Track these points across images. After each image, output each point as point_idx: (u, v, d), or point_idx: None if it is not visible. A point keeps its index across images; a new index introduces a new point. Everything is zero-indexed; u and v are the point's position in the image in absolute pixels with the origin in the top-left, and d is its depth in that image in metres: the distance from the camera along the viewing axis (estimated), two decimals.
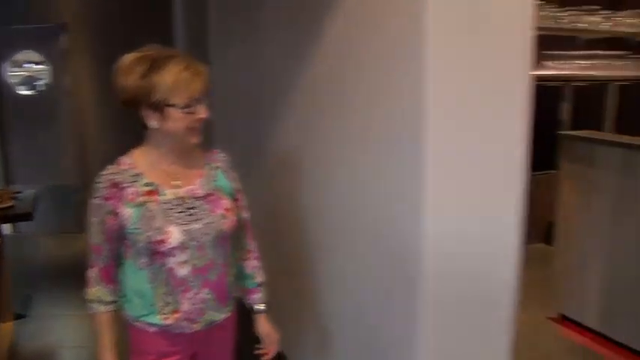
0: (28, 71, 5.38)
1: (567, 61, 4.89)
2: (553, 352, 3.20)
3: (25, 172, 5.34)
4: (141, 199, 1.55)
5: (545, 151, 3.57)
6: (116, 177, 1.55)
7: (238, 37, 3.29)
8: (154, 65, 1.47)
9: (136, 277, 1.61)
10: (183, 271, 1.59)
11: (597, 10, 4.89)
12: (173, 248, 1.56)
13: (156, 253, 1.56)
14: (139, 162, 1.59)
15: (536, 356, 3.08)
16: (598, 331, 3.25)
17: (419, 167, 1.74)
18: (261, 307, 1.85)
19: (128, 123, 1.59)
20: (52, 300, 3.88)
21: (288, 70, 2.62)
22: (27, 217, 3.37)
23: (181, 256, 1.58)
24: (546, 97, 4.68)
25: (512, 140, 1.82)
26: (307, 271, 2.65)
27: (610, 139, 3.32)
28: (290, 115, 2.71)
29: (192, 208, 1.60)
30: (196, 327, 1.65)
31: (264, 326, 1.85)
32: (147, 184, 1.56)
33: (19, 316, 3.60)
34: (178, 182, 1.60)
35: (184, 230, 1.56)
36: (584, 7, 4.81)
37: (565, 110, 4.85)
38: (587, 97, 4.98)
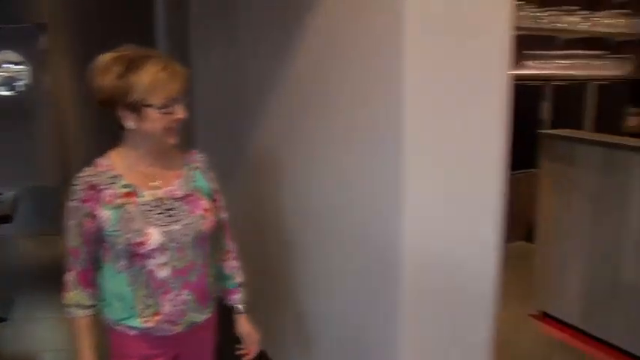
0: (8, 72, 5.32)
1: (547, 61, 4.94)
2: (534, 348, 3.23)
3: (4, 173, 5.28)
4: (119, 200, 1.53)
5: (526, 150, 3.60)
6: (93, 179, 1.54)
7: (220, 37, 3.28)
8: (131, 65, 1.46)
9: (115, 280, 1.59)
10: (163, 273, 1.58)
11: (576, 10, 4.95)
12: (153, 250, 1.55)
13: (135, 255, 1.54)
14: (117, 163, 1.57)
15: (517, 353, 3.10)
16: (578, 328, 3.28)
17: (399, 167, 1.75)
18: (242, 307, 1.84)
19: (109, 124, 1.58)
20: (34, 303, 3.84)
21: (271, 70, 2.62)
22: (6, 219, 3.33)
23: (161, 258, 1.57)
24: (527, 96, 4.74)
25: (491, 139, 1.83)
26: (290, 271, 2.65)
27: (589, 138, 3.35)
28: (272, 115, 2.71)
29: (171, 209, 1.59)
30: (177, 329, 1.64)
31: (244, 326, 1.84)
32: (125, 186, 1.55)
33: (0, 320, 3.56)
34: (157, 183, 1.59)
35: (164, 231, 1.55)
36: (564, 8, 4.87)
37: (545, 109, 4.89)
38: (567, 97, 5.04)
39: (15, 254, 4.95)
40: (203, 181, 1.69)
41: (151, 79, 1.45)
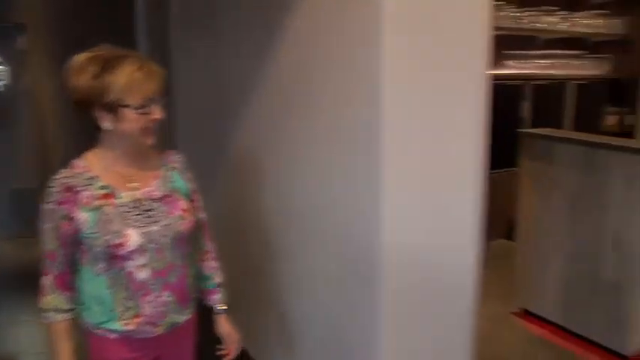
0: None
1: (527, 61, 5.00)
2: (515, 345, 3.26)
3: None
4: (97, 202, 1.52)
5: (506, 148, 3.62)
6: (70, 181, 1.52)
7: (201, 38, 3.26)
8: (107, 65, 1.44)
9: (93, 283, 1.58)
10: (142, 275, 1.57)
11: (555, 10, 5.00)
12: (132, 251, 1.54)
13: (114, 257, 1.53)
14: (94, 165, 1.56)
15: (499, 350, 3.13)
16: (559, 325, 3.32)
17: (377, 167, 1.75)
18: (221, 307, 1.84)
19: (89, 124, 1.56)
20: (13, 306, 3.79)
21: (253, 70, 2.61)
22: None
23: (140, 260, 1.55)
24: (507, 95, 4.78)
25: (470, 138, 1.85)
26: (273, 271, 2.64)
27: (569, 137, 3.38)
28: (254, 115, 2.70)
29: (149, 210, 1.58)
30: (158, 331, 1.63)
31: (224, 326, 1.84)
32: (102, 187, 1.53)
33: None
34: (135, 184, 1.58)
35: (143, 233, 1.54)
36: (543, 8, 4.92)
37: (525, 109, 4.94)
38: (547, 96, 5.09)
39: None
40: (181, 181, 1.69)
41: (128, 79, 1.44)
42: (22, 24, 5.16)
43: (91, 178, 1.53)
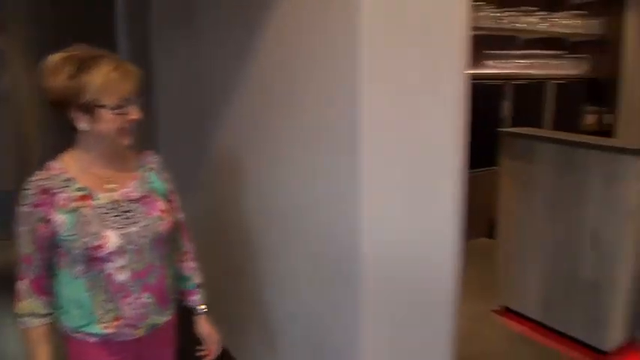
0: None
1: (507, 60, 5.04)
2: (496, 342, 3.28)
3: None
4: (74, 204, 1.50)
5: (487, 148, 3.66)
6: (46, 183, 1.50)
7: (182, 38, 3.25)
8: (83, 65, 1.43)
9: (72, 286, 1.56)
10: (122, 277, 1.55)
11: (534, 11, 5.05)
12: (111, 253, 1.52)
13: (93, 259, 1.52)
14: (70, 166, 1.54)
15: (480, 347, 3.15)
16: (539, 321, 3.35)
17: (357, 167, 1.76)
18: (201, 308, 1.83)
19: (66, 125, 1.54)
20: None
21: (234, 70, 2.60)
22: None
23: (119, 261, 1.54)
24: (487, 95, 4.82)
25: (449, 137, 1.86)
26: (254, 271, 2.64)
27: (548, 136, 3.41)
28: (236, 115, 2.70)
29: (127, 211, 1.56)
30: (138, 333, 1.62)
31: (204, 327, 1.83)
32: (79, 189, 1.52)
33: None
34: (112, 185, 1.57)
35: (122, 234, 1.53)
36: (523, 8, 4.97)
37: (506, 108, 4.98)
38: (527, 95, 5.14)
39: None
40: (158, 182, 1.68)
41: (104, 79, 1.43)
42: None
43: (68, 179, 1.52)
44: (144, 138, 3.30)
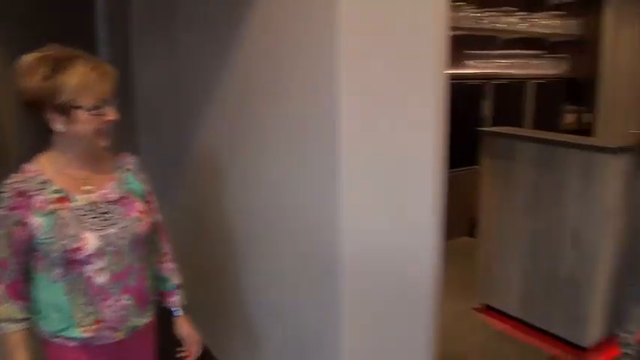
0: None
1: (487, 60, 5.08)
2: (477, 340, 3.31)
3: None
4: (51, 206, 1.48)
5: (468, 147, 3.68)
6: (22, 185, 1.48)
7: (162, 37, 3.23)
8: (58, 66, 1.41)
9: (50, 290, 1.54)
10: (101, 279, 1.54)
11: (514, 11, 5.10)
12: (90, 255, 1.51)
13: (71, 262, 1.50)
14: (46, 168, 1.52)
15: (461, 345, 3.18)
16: (519, 319, 3.38)
17: (335, 166, 1.76)
18: (180, 309, 1.83)
19: (42, 127, 1.52)
20: None
21: (216, 68, 2.59)
22: None
23: (98, 263, 1.53)
24: (468, 94, 4.86)
25: (428, 138, 1.87)
26: (236, 270, 2.63)
27: (528, 135, 3.43)
28: (216, 114, 2.69)
29: (106, 212, 1.55)
30: (119, 336, 1.61)
31: (184, 328, 1.83)
32: (56, 191, 1.50)
33: None
34: (89, 187, 1.55)
35: (100, 236, 1.52)
36: (503, 9, 5.01)
37: (486, 107, 5.02)
38: (507, 95, 5.18)
39: None
40: (136, 183, 1.67)
41: (80, 79, 1.42)
42: None
43: (44, 182, 1.50)
44: (124, 138, 3.28)
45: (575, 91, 5.85)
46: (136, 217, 1.59)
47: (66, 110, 1.43)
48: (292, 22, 1.93)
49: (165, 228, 1.82)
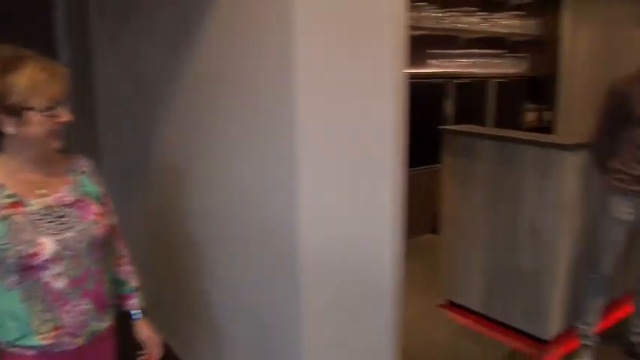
0: None
1: (449, 60, 5.14)
2: (441, 336, 3.36)
3: None
4: (4, 212, 1.44)
5: (432, 145, 3.72)
6: None
7: (122, 38, 3.19)
8: (8, 66, 1.38)
9: (5, 298, 1.49)
10: (59, 284, 1.51)
11: (475, 11, 5.18)
12: (47, 260, 1.47)
13: (28, 268, 1.46)
14: None
15: (424, 341, 3.22)
16: (482, 313, 3.44)
17: (293, 166, 1.76)
18: (139, 311, 1.81)
19: None
20: None
21: (176, 69, 2.57)
22: None
23: (56, 268, 1.50)
24: (431, 94, 4.91)
25: (386, 136, 1.88)
26: (200, 272, 2.62)
27: (488, 133, 3.49)
28: (177, 117, 2.67)
29: (62, 216, 1.52)
30: (78, 342, 1.57)
31: (143, 330, 1.80)
32: (9, 196, 1.46)
33: None
34: (44, 191, 1.52)
35: (57, 240, 1.49)
36: (464, 9, 5.08)
37: (448, 106, 5.08)
38: (469, 94, 5.26)
39: None
40: (91, 185, 1.64)
41: (31, 80, 1.39)
42: None
43: None
44: (86, 139, 3.24)
45: (536, 90, 5.97)
46: (93, 220, 1.57)
47: (17, 112, 1.40)
48: (252, 22, 1.93)
49: (121, 230, 1.79)
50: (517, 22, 5.62)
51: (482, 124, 5.27)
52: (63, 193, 1.55)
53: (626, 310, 3.31)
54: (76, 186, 1.59)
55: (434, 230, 4.20)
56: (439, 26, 4.85)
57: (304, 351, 1.93)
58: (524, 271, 3.17)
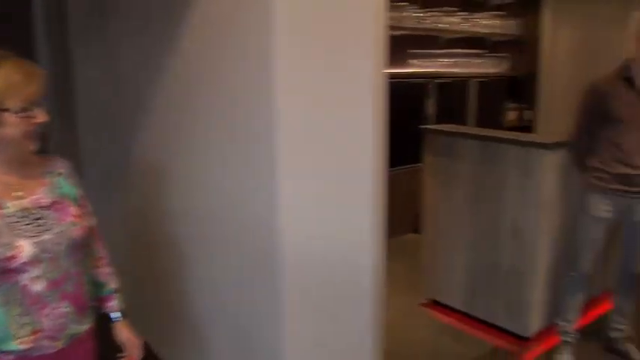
0: None
1: (430, 59, 5.16)
2: (423, 335, 3.38)
3: None
4: None
5: (412, 145, 3.74)
6: None
7: (102, 39, 3.16)
8: None
9: None
10: (37, 287, 1.49)
11: (456, 11, 5.21)
12: (25, 263, 1.46)
13: (5, 271, 1.44)
14: None
15: (407, 340, 3.23)
16: (464, 312, 3.47)
17: (273, 166, 1.76)
18: (119, 313, 1.80)
19: None
20: None
21: (155, 69, 2.56)
22: None
23: (34, 271, 1.48)
24: (412, 93, 4.94)
25: (366, 136, 1.89)
26: (181, 273, 2.61)
27: (469, 132, 3.52)
28: (157, 118, 2.65)
29: (39, 218, 1.50)
30: (58, 344, 1.56)
31: (123, 332, 1.79)
32: None
33: None
34: (20, 193, 1.50)
35: (35, 242, 1.47)
36: (444, 9, 5.11)
37: (430, 106, 5.11)
38: (451, 93, 5.29)
39: None
40: (68, 187, 1.62)
41: (6, 81, 1.37)
42: None
43: None
44: (66, 141, 3.20)
45: (517, 89, 6.03)
46: (71, 222, 1.55)
47: None
48: (231, 23, 1.93)
49: (100, 232, 1.78)
50: (497, 22, 5.66)
51: (464, 124, 5.30)
52: (39, 195, 1.53)
53: (605, 307, 3.35)
54: (53, 188, 1.57)
55: (416, 230, 4.22)
56: (420, 26, 4.87)
57: (285, 351, 1.93)
58: (505, 268, 3.20)
